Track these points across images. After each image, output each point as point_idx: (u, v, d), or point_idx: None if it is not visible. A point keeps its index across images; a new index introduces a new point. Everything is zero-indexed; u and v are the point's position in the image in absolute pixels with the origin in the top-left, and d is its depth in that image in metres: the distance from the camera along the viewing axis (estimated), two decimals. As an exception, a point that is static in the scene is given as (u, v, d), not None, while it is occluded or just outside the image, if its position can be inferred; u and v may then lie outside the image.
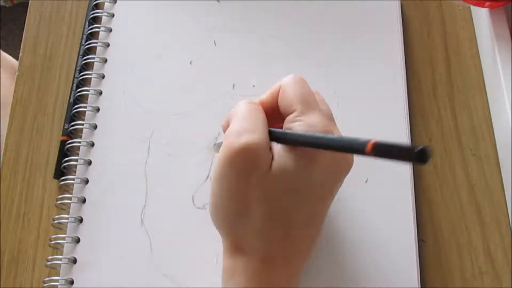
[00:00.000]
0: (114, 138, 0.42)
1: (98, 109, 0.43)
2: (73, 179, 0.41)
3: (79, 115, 0.44)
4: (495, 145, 0.41)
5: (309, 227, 0.30)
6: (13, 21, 1.44)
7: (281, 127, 0.30)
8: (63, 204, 0.40)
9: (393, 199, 0.39)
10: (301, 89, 0.30)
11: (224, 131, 0.31)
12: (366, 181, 0.39)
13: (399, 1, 0.46)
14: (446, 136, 0.42)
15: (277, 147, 0.29)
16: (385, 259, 0.37)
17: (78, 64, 0.46)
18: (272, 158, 0.28)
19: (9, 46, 1.40)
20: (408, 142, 0.41)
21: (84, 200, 0.40)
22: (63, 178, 0.41)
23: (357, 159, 0.39)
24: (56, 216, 0.40)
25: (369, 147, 0.22)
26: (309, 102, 0.30)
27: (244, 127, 0.28)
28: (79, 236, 0.39)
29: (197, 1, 0.47)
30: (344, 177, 0.31)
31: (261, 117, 0.30)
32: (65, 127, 0.44)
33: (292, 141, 0.28)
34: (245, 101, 0.31)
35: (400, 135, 0.41)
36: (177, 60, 0.45)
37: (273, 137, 0.29)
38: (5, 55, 0.71)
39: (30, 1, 0.50)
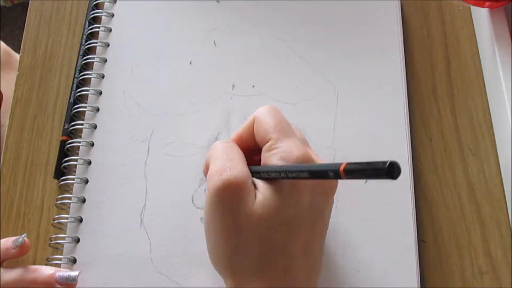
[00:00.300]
0: (114, 138, 0.42)
1: (98, 109, 0.43)
2: (73, 179, 0.41)
3: (79, 115, 0.44)
4: (495, 145, 0.41)
5: (308, 258, 0.30)
6: (13, 21, 1.44)
7: (259, 159, 0.30)
8: (63, 204, 0.40)
9: (393, 199, 0.39)
10: (275, 118, 0.31)
11: (205, 175, 0.32)
12: (365, 182, 0.40)
13: (399, 1, 0.46)
14: (446, 136, 0.42)
15: (259, 181, 0.30)
16: (385, 259, 0.37)
17: (78, 64, 0.46)
18: (256, 193, 0.29)
19: (9, 46, 1.40)
20: (406, 144, 0.41)
21: (84, 200, 0.40)
22: (63, 178, 0.41)
23: (356, 158, 0.40)
24: (56, 216, 0.40)
25: (341, 170, 0.23)
26: (284, 129, 0.30)
27: (224, 165, 0.29)
28: (79, 236, 0.39)
29: (197, 1, 0.47)
30: (332, 196, 0.31)
31: (237, 153, 0.31)
32: (65, 127, 0.44)
33: (269, 175, 0.29)
34: (219, 141, 0.32)
35: (400, 136, 0.41)
36: (177, 60, 0.45)
37: (252, 172, 0.30)
38: None
39: (30, 1, 0.50)
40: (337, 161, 0.40)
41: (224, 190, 0.28)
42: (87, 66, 0.45)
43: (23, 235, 0.38)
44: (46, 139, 0.44)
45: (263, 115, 0.31)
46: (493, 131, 0.42)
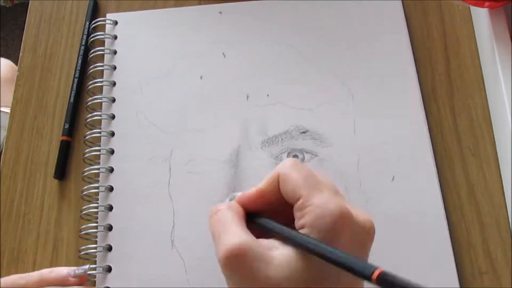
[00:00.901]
0: (133, 161, 0.42)
1: (113, 134, 0.43)
2: (96, 207, 0.40)
3: (94, 141, 0.43)
4: (495, 145, 0.41)
5: None
6: (13, 21, 1.44)
7: (288, 215, 0.29)
8: (88, 234, 0.39)
9: (421, 195, 0.39)
10: (301, 173, 0.29)
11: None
12: (393, 179, 0.40)
13: (401, 1, 0.46)
14: (445, 136, 0.42)
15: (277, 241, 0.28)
16: (419, 256, 0.37)
17: (78, 64, 0.46)
18: (271, 255, 0.27)
19: (9, 46, 1.40)
20: (428, 141, 0.41)
21: (110, 228, 0.39)
22: (84, 207, 0.40)
23: (379, 160, 0.40)
24: (83, 247, 0.39)
25: (374, 276, 0.22)
26: (313, 183, 0.28)
27: (218, 240, 0.28)
28: (110, 265, 0.38)
29: (199, 15, 0.47)
30: (369, 248, 0.29)
31: (232, 219, 0.29)
32: (65, 127, 0.44)
33: (297, 245, 0.27)
34: (211, 213, 0.31)
35: (421, 133, 0.41)
36: (187, 76, 0.45)
37: (261, 227, 0.29)
38: None
39: (30, 1, 0.50)
40: (362, 163, 0.40)
41: (229, 262, 0.27)
42: (95, 90, 0.45)
43: (86, 266, 0.37)
44: (46, 139, 0.44)
45: (288, 171, 0.29)
46: (492, 131, 0.42)
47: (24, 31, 0.49)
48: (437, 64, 0.45)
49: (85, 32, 0.47)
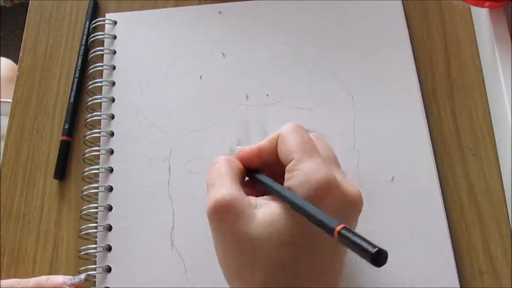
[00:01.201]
0: (133, 161, 0.42)
1: (112, 134, 0.43)
2: (96, 207, 0.40)
3: (94, 141, 0.43)
4: (495, 145, 0.41)
5: (319, 282, 0.28)
6: (13, 21, 1.44)
7: (283, 176, 0.30)
8: (88, 234, 0.39)
9: (421, 195, 0.39)
10: (299, 137, 0.30)
11: None
12: (392, 179, 0.40)
13: (401, 1, 0.46)
14: (446, 136, 0.42)
15: (265, 198, 0.30)
16: (421, 256, 0.37)
17: (78, 64, 0.46)
18: (255, 211, 0.29)
19: (9, 46, 1.40)
20: (427, 139, 0.41)
21: (109, 228, 0.39)
22: (83, 207, 0.40)
23: (379, 160, 0.40)
24: (83, 247, 0.39)
25: (335, 231, 0.24)
26: (307, 149, 0.29)
27: (211, 189, 0.30)
28: (109, 265, 0.38)
29: (199, 15, 0.47)
30: (356, 217, 0.30)
31: (226, 172, 0.31)
32: (65, 127, 0.44)
33: (278, 196, 0.29)
34: (211, 163, 0.32)
35: (420, 132, 0.41)
36: (187, 76, 0.45)
37: (259, 183, 0.31)
38: None
39: (30, 1, 0.50)
40: (361, 163, 0.40)
41: (215, 212, 0.29)
42: (95, 90, 0.45)
43: (82, 276, 0.37)
44: (46, 139, 0.44)
45: (287, 133, 0.31)
46: (493, 131, 0.42)
47: (24, 31, 0.49)
48: (437, 64, 0.45)
49: (85, 32, 0.47)
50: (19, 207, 0.42)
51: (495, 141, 0.41)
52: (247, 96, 0.43)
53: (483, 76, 0.44)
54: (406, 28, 0.45)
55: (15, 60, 0.47)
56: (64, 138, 0.43)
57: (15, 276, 0.39)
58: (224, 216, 0.28)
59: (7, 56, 0.84)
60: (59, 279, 0.37)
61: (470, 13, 0.46)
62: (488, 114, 0.42)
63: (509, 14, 0.42)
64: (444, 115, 0.43)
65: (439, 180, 0.40)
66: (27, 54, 0.48)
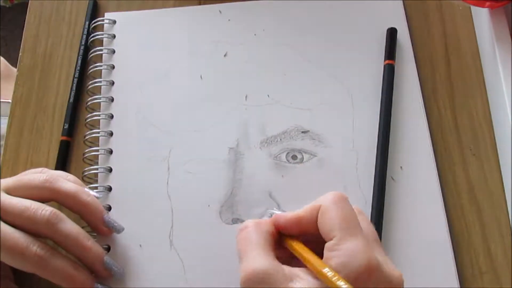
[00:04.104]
0: (132, 161, 0.41)
1: (111, 134, 0.43)
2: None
3: (94, 141, 0.42)
4: (495, 145, 0.41)
5: None
6: (13, 21, 1.44)
7: (320, 247, 0.29)
8: (88, 232, 0.39)
9: (422, 197, 0.39)
10: (341, 212, 0.29)
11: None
12: (392, 179, 0.40)
13: (402, 1, 0.46)
14: (446, 136, 0.42)
15: (302, 271, 0.28)
16: (419, 256, 0.37)
17: (78, 64, 0.46)
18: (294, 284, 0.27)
19: (9, 46, 1.40)
20: (428, 140, 0.41)
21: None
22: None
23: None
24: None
25: None
26: (350, 227, 0.28)
27: (243, 260, 0.29)
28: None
29: (199, 14, 0.47)
30: None
31: (257, 240, 0.29)
32: (64, 127, 0.44)
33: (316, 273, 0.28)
34: (240, 228, 0.31)
35: (421, 132, 0.41)
36: (187, 76, 0.44)
37: (295, 252, 0.29)
38: None
39: (29, 1, 0.50)
40: (360, 163, 0.40)
41: (248, 285, 0.28)
42: (95, 90, 0.45)
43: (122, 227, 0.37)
44: (46, 139, 0.44)
45: (329, 206, 0.29)
46: (493, 131, 0.42)
47: (24, 31, 0.49)
48: (437, 64, 0.45)
49: (85, 32, 0.47)
50: (19, 207, 0.42)
51: (495, 141, 0.41)
52: (246, 96, 0.43)
53: (484, 76, 0.44)
54: (407, 28, 0.45)
55: (15, 61, 0.47)
56: (64, 138, 0.43)
57: (15, 275, 0.39)
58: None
59: (7, 56, 0.84)
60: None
61: (471, 13, 0.46)
62: (488, 114, 0.42)
63: (509, 14, 0.42)
64: (444, 115, 0.43)
65: (439, 180, 0.40)
66: (27, 54, 0.48)
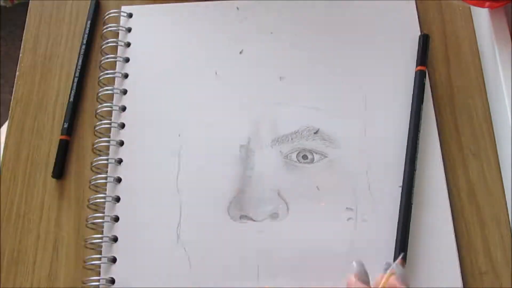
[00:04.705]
0: (142, 154, 0.42)
1: (123, 125, 0.43)
2: (104, 198, 0.40)
3: (105, 132, 0.43)
4: (495, 145, 0.41)
5: None
6: (13, 21, 1.44)
7: None
8: (94, 223, 0.39)
9: (429, 199, 0.39)
10: None
11: None
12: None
13: (415, 1, 0.46)
14: (446, 136, 0.42)
15: None
16: (428, 259, 0.37)
17: (79, 64, 0.46)
18: None
19: (9, 46, 1.40)
20: (438, 145, 0.41)
21: (117, 219, 0.39)
22: (92, 197, 0.40)
23: (388, 162, 0.40)
24: (89, 237, 0.39)
25: None
26: None
27: None
28: (115, 256, 0.38)
29: (216, 10, 0.47)
30: None
31: None
32: (64, 126, 0.44)
33: None
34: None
35: (431, 136, 0.41)
36: (201, 71, 0.44)
37: None
38: None
39: (30, 1, 0.50)
40: (371, 167, 0.40)
41: None
42: (108, 81, 0.45)
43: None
44: (46, 139, 0.44)
45: None
46: (493, 131, 0.42)
47: (24, 31, 0.49)
48: (437, 64, 0.45)
49: (86, 32, 0.47)
50: (19, 207, 0.42)
51: (495, 141, 0.41)
52: (259, 94, 0.43)
53: (483, 76, 0.44)
54: (419, 28, 0.45)
55: (16, 60, 0.47)
56: (63, 137, 0.43)
57: (15, 276, 0.39)
58: None
59: (8, 56, 0.85)
60: None
61: (470, 13, 0.46)
62: (488, 114, 0.42)
63: (509, 14, 0.42)
64: (444, 115, 0.43)
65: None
66: (27, 54, 0.48)
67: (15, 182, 0.42)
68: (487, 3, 0.41)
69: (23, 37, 0.48)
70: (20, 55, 0.48)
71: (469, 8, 0.47)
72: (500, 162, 0.40)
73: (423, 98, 0.42)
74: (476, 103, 0.43)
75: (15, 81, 0.47)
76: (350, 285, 0.31)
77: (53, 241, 0.40)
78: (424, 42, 0.44)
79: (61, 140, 0.43)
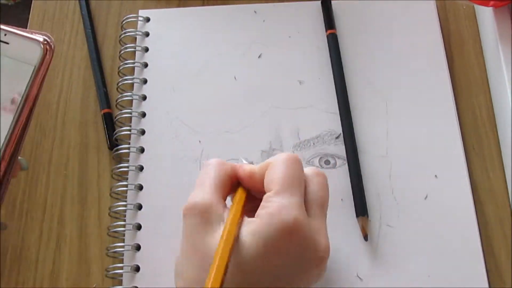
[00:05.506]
0: (163, 160, 0.41)
1: (143, 132, 0.42)
2: (125, 205, 0.39)
3: (124, 138, 0.42)
4: (499, 144, 0.41)
5: None
6: (15, 19, 1.44)
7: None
8: (116, 232, 0.39)
9: (454, 206, 0.39)
10: (286, 170, 0.30)
11: None
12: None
13: (434, 1, 0.46)
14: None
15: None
16: (453, 264, 0.37)
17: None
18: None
19: (11, 44, 1.40)
20: (461, 149, 0.40)
21: (139, 227, 0.39)
22: (113, 205, 0.39)
23: (412, 167, 0.40)
24: (112, 245, 0.39)
25: None
26: (290, 185, 0.29)
27: (195, 189, 0.31)
28: (138, 264, 0.38)
29: (234, 13, 0.47)
30: (315, 275, 0.30)
31: (213, 177, 0.31)
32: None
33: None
34: (208, 161, 0.33)
35: (454, 141, 0.41)
36: (220, 76, 0.44)
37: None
38: None
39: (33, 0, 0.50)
40: (394, 171, 0.40)
41: (187, 212, 0.30)
42: (126, 87, 0.44)
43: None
44: (49, 137, 0.44)
45: (277, 163, 0.30)
46: (496, 130, 0.42)
47: (27, 29, 0.49)
48: (441, 63, 0.44)
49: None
50: (22, 205, 0.42)
51: (498, 140, 0.41)
52: (280, 99, 0.43)
53: (487, 75, 0.44)
54: (440, 30, 0.45)
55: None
56: (106, 111, 0.43)
57: (18, 273, 0.39)
58: (192, 219, 0.29)
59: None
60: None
61: (474, 12, 0.46)
62: (491, 113, 0.42)
63: (513, 13, 0.42)
64: (447, 114, 0.42)
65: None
66: (30, 51, 0.48)
67: (18, 179, 0.42)
68: (492, 2, 0.41)
69: (26, 35, 0.48)
70: (23, 53, 0.48)
71: (473, 7, 0.47)
72: (504, 161, 0.40)
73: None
74: (479, 102, 0.43)
75: (18, 79, 0.47)
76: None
77: (55, 238, 0.40)
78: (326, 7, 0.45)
79: (105, 114, 0.43)
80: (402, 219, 0.38)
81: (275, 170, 0.30)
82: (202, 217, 0.29)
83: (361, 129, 0.41)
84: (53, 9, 0.49)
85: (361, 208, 0.38)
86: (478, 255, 0.37)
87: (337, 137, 0.41)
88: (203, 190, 0.30)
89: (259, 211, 0.29)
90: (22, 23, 0.49)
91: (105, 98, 0.44)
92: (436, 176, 0.39)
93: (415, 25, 0.45)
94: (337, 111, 0.42)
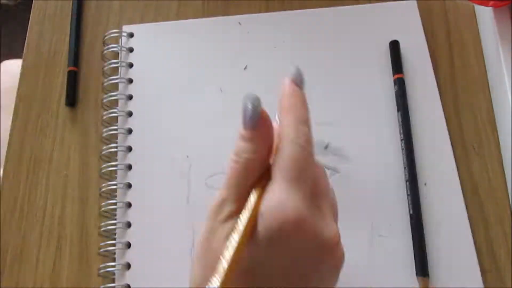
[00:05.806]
0: (151, 177, 0.41)
1: (130, 149, 0.42)
2: (115, 224, 0.39)
3: (111, 156, 0.42)
4: (499, 144, 0.41)
5: None
6: (16, 19, 1.44)
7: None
8: (107, 251, 0.39)
9: (446, 207, 0.39)
10: (301, 153, 0.28)
11: None
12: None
13: (415, 1, 0.46)
14: (450, 135, 0.42)
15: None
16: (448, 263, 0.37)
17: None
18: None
19: (12, 44, 1.40)
20: (450, 149, 0.41)
21: (129, 245, 0.39)
22: (103, 224, 0.39)
23: (402, 177, 0.40)
24: (102, 265, 0.38)
25: None
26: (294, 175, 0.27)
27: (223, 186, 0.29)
28: (129, 284, 0.38)
29: (219, 26, 0.46)
30: (332, 274, 0.27)
31: (231, 177, 0.29)
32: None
33: None
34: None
35: (443, 140, 0.41)
36: (207, 89, 0.44)
37: None
38: None
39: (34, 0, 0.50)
40: (383, 178, 0.40)
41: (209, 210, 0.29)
42: (111, 103, 0.44)
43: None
44: (50, 137, 0.44)
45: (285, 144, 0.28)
46: (496, 130, 0.42)
47: (28, 29, 0.49)
48: (441, 63, 0.45)
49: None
50: (22, 205, 0.42)
51: (498, 140, 0.41)
52: (266, 109, 0.43)
53: (487, 75, 0.44)
54: (423, 32, 0.45)
55: (19, 58, 0.47)
56: (72, 68, 0.43)
57: (18, 273, 0.39)
58: (212, 212, 0.29)
59: (11, 54, 0.85)
60: None
61: (474, 12, 0.46)
62: (491, 113, 0.42)
63: (513, 13, 0.42)
64: (448, 114, 0.42)
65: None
66: (31, 52, 0.48)
67: (19, 179, 0.43)
68: (491, 2, 0.41)
69: (27, 35, 0.49)
70: (24, 52, 0.48)
71: (473, 7, 0.47)
72: (503, 161, 0.40)
73: (407, 107, 0.42)
74: (480, 102, 0.43)
75: (19, 79, 0.47)
76: (283, 85, 0.31)
77: (56, 238, 0.40)
78: (395, 49, 0.44)
79: (69, 71, 0.43)
80: (393, 227, 0.38)
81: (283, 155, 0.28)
82: (214, 214, 0.29)
83: (348, 138, 0.41)
84: (54, 9, 0.50)
85: (421, 268, 0.37)
86: (471, 252, 0.37)
87: (325, 147, 0.41)
88: (225, 187, 0.29)
89: (262, 205, 0.26)
90: (23, 23, 0.49)
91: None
92: (425, 184, 0.40)
93: (400, 30, 0.45)
94: (326, 121, 0.42)
